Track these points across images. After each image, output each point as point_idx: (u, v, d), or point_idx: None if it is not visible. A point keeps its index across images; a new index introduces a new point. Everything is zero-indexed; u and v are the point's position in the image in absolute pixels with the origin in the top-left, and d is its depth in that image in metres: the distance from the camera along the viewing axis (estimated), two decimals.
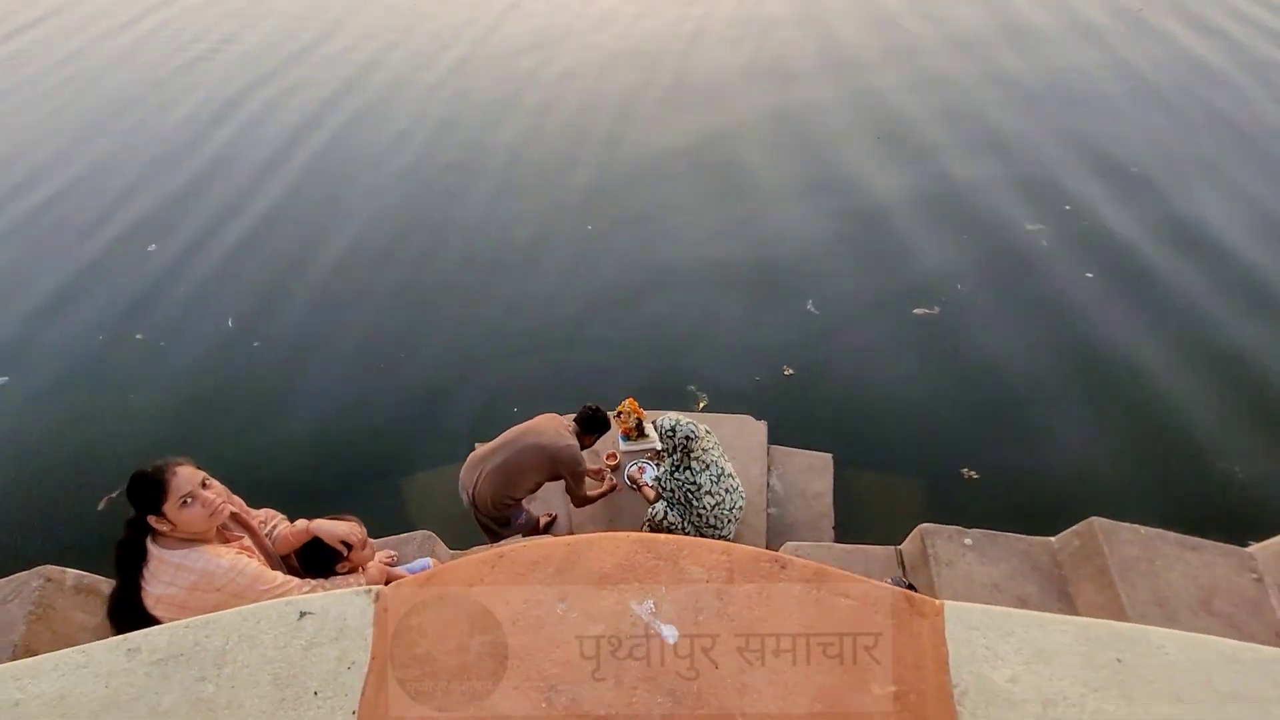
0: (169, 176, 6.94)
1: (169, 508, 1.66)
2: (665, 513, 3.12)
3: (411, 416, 4.49)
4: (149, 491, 1.65)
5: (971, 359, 4.52)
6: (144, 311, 5.42)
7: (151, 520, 1.66)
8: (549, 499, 3.61)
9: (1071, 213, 5.60)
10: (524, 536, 3.16)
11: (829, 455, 3.77)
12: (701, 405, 4.36)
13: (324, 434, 4.40)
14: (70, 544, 3.31)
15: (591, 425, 3.04)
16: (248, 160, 7.06)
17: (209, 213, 6.42)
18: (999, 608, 1.18)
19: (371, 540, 2.21)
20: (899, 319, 4.85)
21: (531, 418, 3.10)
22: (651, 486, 3.36)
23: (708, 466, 3.00)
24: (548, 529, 3.49)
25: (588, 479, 3.10)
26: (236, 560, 1.72)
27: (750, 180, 6.31)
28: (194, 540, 1.71)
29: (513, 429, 3.00)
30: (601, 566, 1.17)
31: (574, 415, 3.09)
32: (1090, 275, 5.03)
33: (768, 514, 3.50)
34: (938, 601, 1.18)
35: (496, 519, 3.02)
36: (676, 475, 3.00)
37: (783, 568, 1.15)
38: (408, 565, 2.54)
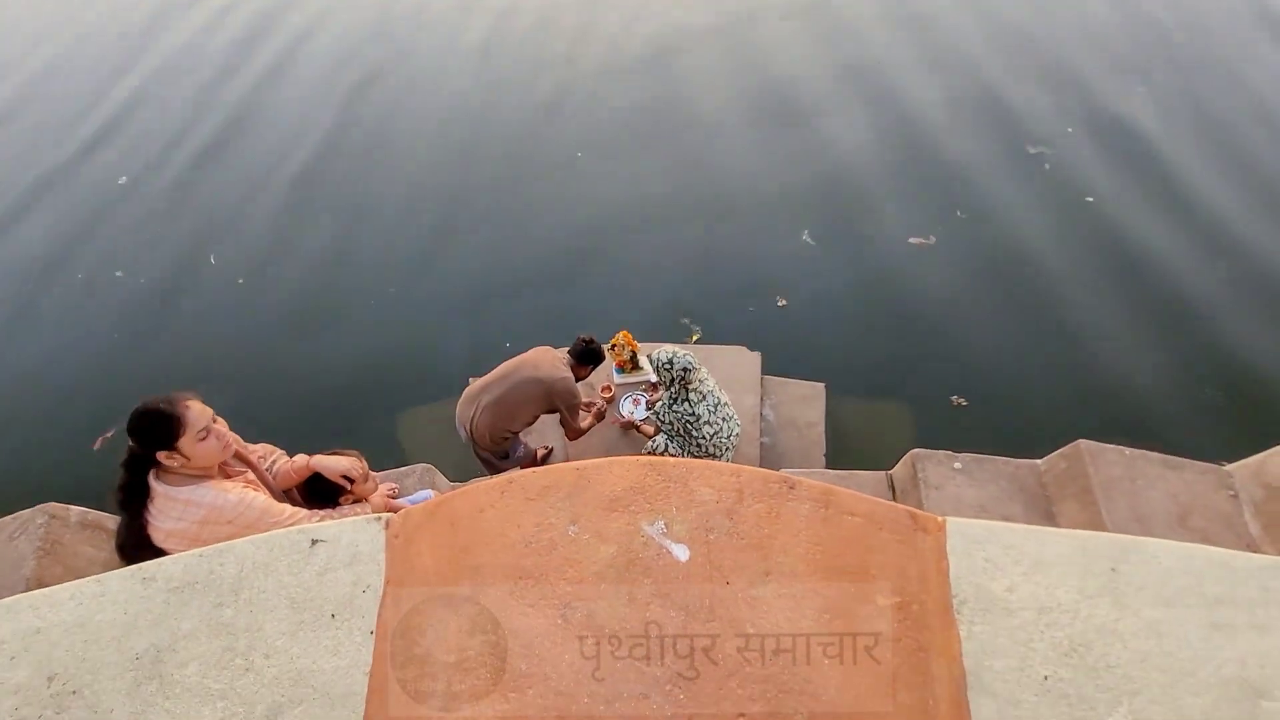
0: (133, 105, 6.57)
1: (185, 442, 1.64)
2: (666, 445, 3.16)
3: (405, 352, 4.45)
4: (164, 425, 1.62)
5: (964, 287, 4.51)
6: (121, 249, 5.25)
7: (162, 456, 1.64)
8: (545, 431, 3.64)
9: (1074, 135, 5.47)
10: (523, 469, 3.21)
11: (822, 385, 3.80)
12: (695, 338, 4.36)
13: (316, 371, 4.37)
14: (66, 484, 3.31)
15: (586, 357, 3.03)
16: (222, 99, 6.67)
17: (181, 142, 6.13)
18: (1001, 522, 1.21)
19: (373, 473, 2.22)
20: (895, 249, 4.79)
21: (525, 351, 3.08)
22: (649, 421, 3.39)
23: (704, 397, 3.04)
24: (545, 461, 3.54)
25: (580, 411, 3.12)
26: (244, 494, 1.72)
27: (744, 109, 6.07)
28: (199, 476, 1.70)
29: (508, 362, 2.99)
30: (612, 490, 1.18)
31: (568, 348, 3.07)
32: (1090, 200, 4.97)
33: (761, 443, 3.56)
34: (940, 518, 1.21)
35: (495, 452, 3.05)
36: (675, 408, 3.03)
37: (791, 488, 1.16)
38: (409, 497, 2.58)
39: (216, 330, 4.65)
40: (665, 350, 3.01)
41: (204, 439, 1.67)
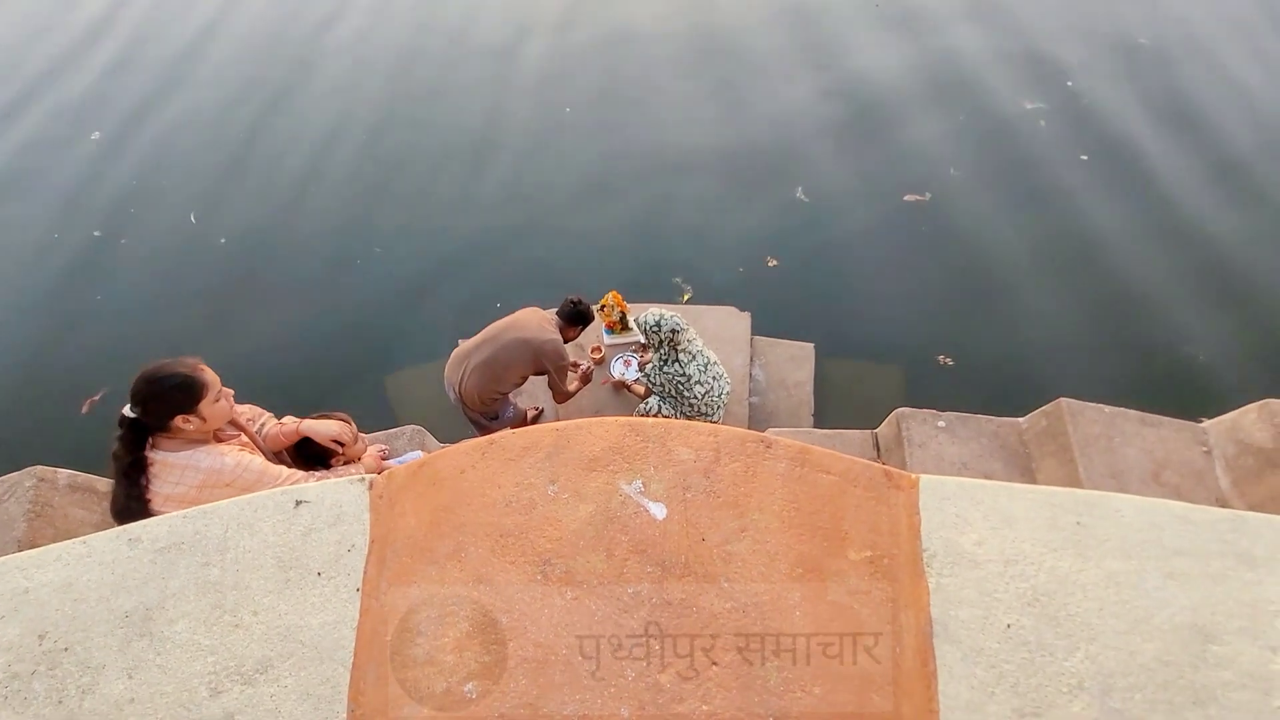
0: (99, 54, 6.33)
1: (205, 404, 1.67)
2: (659, 407, 3.19)
3: (392, 313, 4.42)
4: (189, 389, 1.65)
5: (957, 246, 4.50)
6: (98, 208, 5.14)
7: (179, 420, 1.66)
8: (535, 392, 3.66)
9: (1073, 90, 5.37)
10: (513, 429, 3.24)
11: (811, 345, 3.83)
12: (686, 298, 4.35)
13: (302, 333, 4.35)
14: (53, 448, 3.33)
15: (574, 318, 3.03)
16: (204, 54, 6.41)
17: (152, 97, 5.93)
18: (972, 479, 1.24)
19: (363, 435, 2.24)
20: (889, 207, 4.76)
21: (514, 311, 3.07)
22: (640, 382, 3.41)
23: (694, 357, 3.05)
24: (535, 422, 3.57)
25: (568, 373, 3.13)
26: (241, 457, 1.74)
27: (737, 60, 5.91)
28: (196, 440, 1.72)
29: (495, 323, 2.98)
30: (591, 450, 1.20)
31: (556, 309, 3.07)
32: (1085, 158, 4.92)
33: (750, 403, 3.60)
34: (914, 475, 1.24)
35: (484, 413, 3.07)
36: (665, 369, 3.05)
37: (768, 447, 1.18)
38: (399, 458, 2.61)
39: (199, 291, 4.60)
40: (652, 312, 3.01)
41: (217, 400, 1.70)
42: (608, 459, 1.18)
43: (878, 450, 3.12)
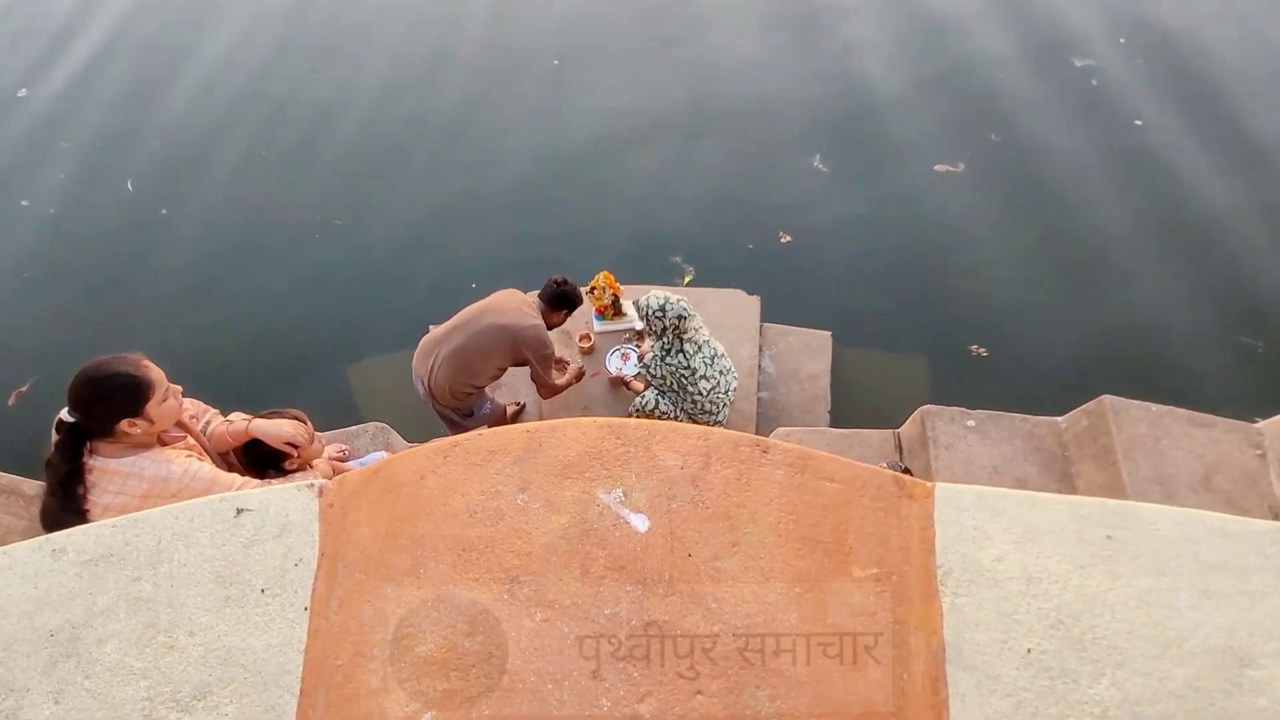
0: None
1: (152, 405, 1.67)
2: (656, 401, 3.19)
3: (355, 295, 4.43)
4: (134, 390, 1.64)
5: (992, 223, 4.50)
6: (24, 173, 5.12)
7: (124, 424, 1.66)
8: (516, 385, 3.68)
9: (1127, 46, 5.33)
10: (490, 427, 3.25)
11: (828, 333, 3.83)
12: (687, 279, 4.35)
13: (252, 316, 4.36)
14: None
15: (558, 301, 3.02)
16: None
17: (98, 58, 5.90)
18: (993, 488, 1.26)
19: (319, 435, 2.26)
20: (918, 177, 4.74)
21: (490, 294, 3.07)
22: (639, 377, 3.41)
23: (700, 348, 3.04)
24: (516, 418, 3.58)
25: (553, 365, 3.14)
26: (189, 464, 1.75)
27: (748, 8, 5.86)
28: (140, 445, 1.73)
29: (469, 308, 2.99)
30: (566, 454, 1.21)
31: (538, 291, 3.07)
32: (1139, 123, 4.89)
33: (758, 398, 3.62)
34: (928, 484, 1.25)
35: (457, 409, 3.08)
36: (668, 360, 3.03)
37: (764, 452, 1.19)
38: (359, 460, 2.62)
39: (138, 268, 4.60)
40: (655, 295, 2.99)
41: (165, 399, 1.70)
42: (584, 465, 1.19)
43: (900, 452, 3.14)
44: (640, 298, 3.04)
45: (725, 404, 3.19)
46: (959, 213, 4.56)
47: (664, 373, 3.07)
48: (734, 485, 1.17)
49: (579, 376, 3.36)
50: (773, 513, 1.16)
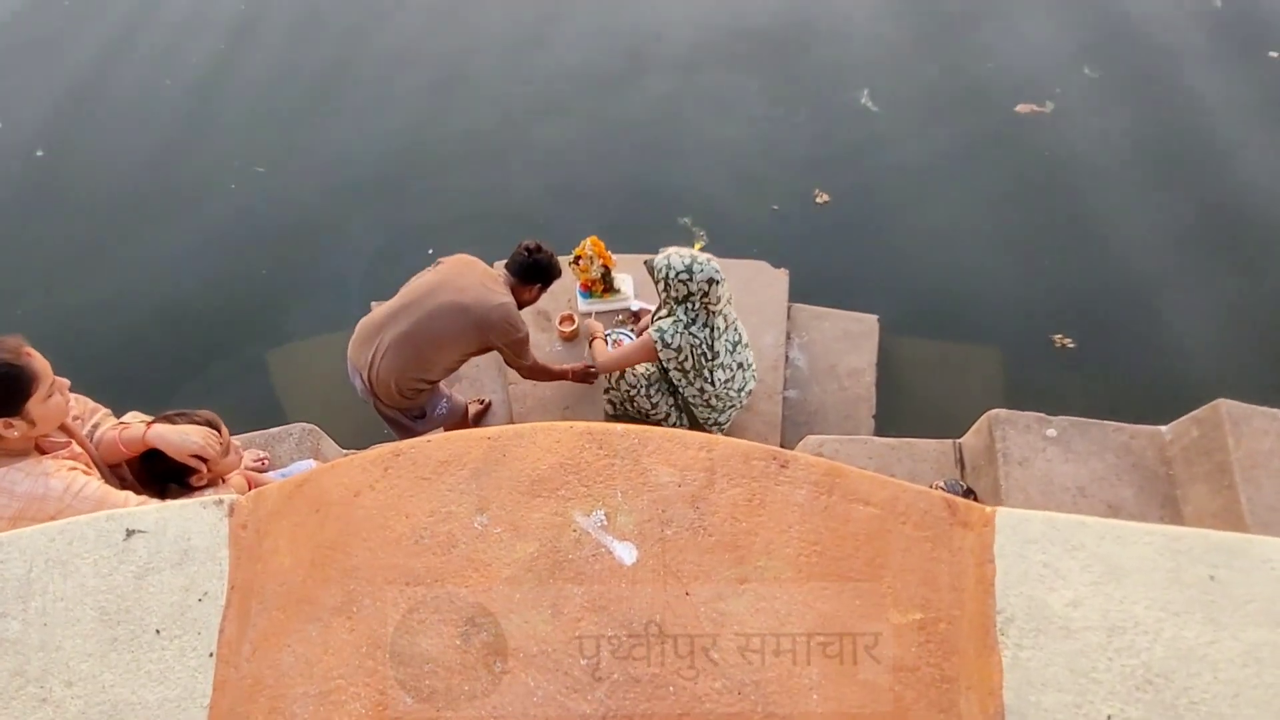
0: None
1: (34, 402, 1.69)
2: (644, 387, 3.18)
3: (280, 261, 4.43)
4: (14, 384, 1.66)
5: (1085, 177, 4.50)
6: None
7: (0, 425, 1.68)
8: (479, 379, 3.70)
9: None
10: (447, 431, 3.26)
11: (873, 317, 3.85)
12: (699, 246, 4.36)
13: (152, 289, 4.37)
14: None
15: (530, 273, 3.02)
16: None
17: None
18: (1069, 515, 1.27)
19: (235, 440, 2.27)
20: (993, 120, 4.74)
21: (443, 263, 3.07)
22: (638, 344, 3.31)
23: (726, 329, 3.02)
24: (479, 421, 3.60)
25: (528, 347, 3.12)
26: (72, 479, 1.77)
27: None
28: (12, 453, 1.74)
29: (418, 282, 2.98)
30: (536, 467, 1.22)
31: (504, 261, 3.07)
32: (1274, 55, 4.89)
33: (784, 398, 3.64)
34: (988, 509, 1.27)
35: (406, 410, 3.10)
36: (692, 331, 2.97)
37: (782, 467, 1.21)
38: (282, 471, 2.65)
39: (4, 224, 4.60)
40: (680, 254, 2.92)
41: (49, 395, 1.73)
42: (558, 480, 1.21)
43: (961, 468, 3.16)
44: (658, 256, 2.98)
45: (733, 405, 3.20)
46: (1043, 164, 4.55)
47: (682, 343, 3.02)
48: (744, 508, 1.19)
49: (583, 378, 3.38)
50: (791, 542, 1.17)
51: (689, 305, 2.95)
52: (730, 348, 3.07)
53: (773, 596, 1.14)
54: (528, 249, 3.00)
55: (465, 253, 3.11)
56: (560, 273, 3.13)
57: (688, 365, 3.07)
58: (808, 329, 3.84)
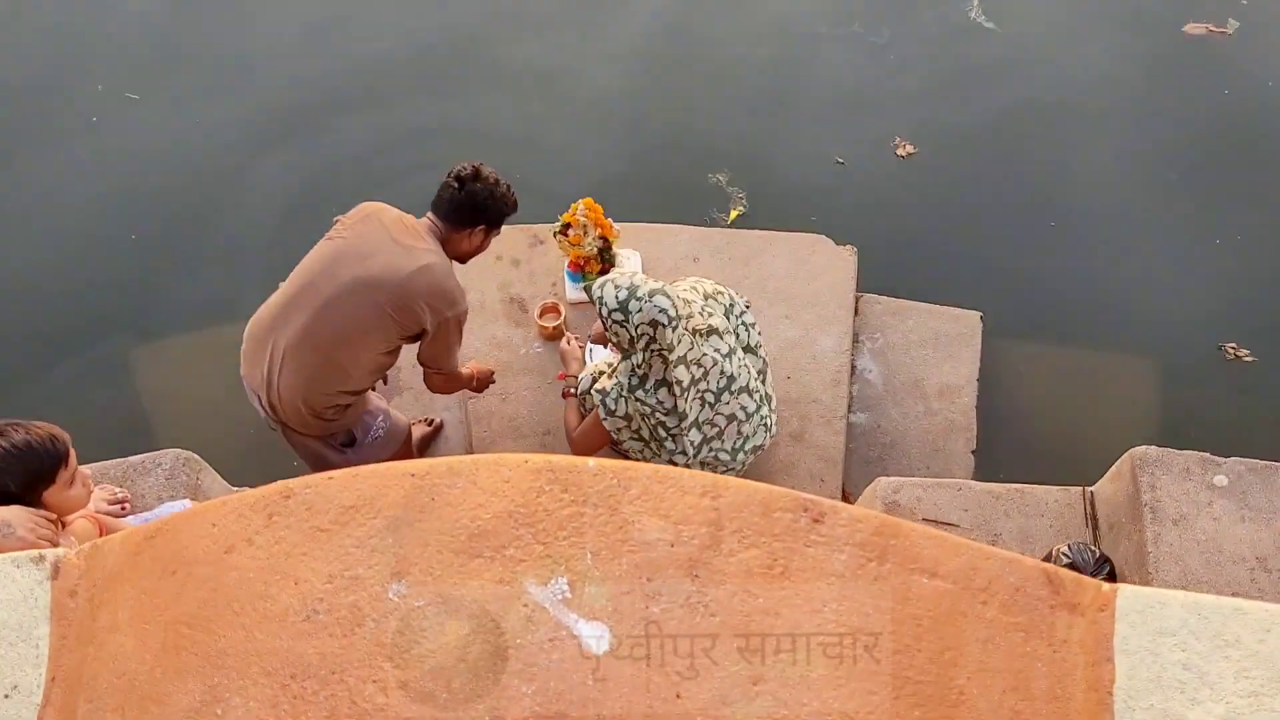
0: None
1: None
2: (618, 400, 3.12)
3: (154, 223, 4.46)
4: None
5: (1272, 124, 4.47)
6: None
7: None
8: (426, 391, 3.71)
9: None
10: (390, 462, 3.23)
11: (975, 315, 3.84)
12: (735, 214, 4.37)
13: None
14: None
15: (467, 210, 2.87)
16: None
17: None
18: (1222, 599, 1.26)
19: (84, 469, 2.29)
20: (1153, 43, 4.74)
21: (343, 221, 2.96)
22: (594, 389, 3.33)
23: (695, 378, 2.96)
24: (426, 447, 3.61)
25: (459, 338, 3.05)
26: None
27: None
28: None
29: (311, 259, 2.85)
30: (476, 516, 1.22)
31: (431, 202, 2.94)
32: None
33: (849, 423, 3.63)
34: (1106, 587, 1.26)
35: (327, 435, 3.08)
36: (638, 395, 2.97)
37: (815, 521, 1.20)
38: (146, 515, 2.67)
39: None
40: (617, 282, 2.87)
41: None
42: (506, 535, 1.21)
43: (1093, 526, 3.15)
44: (597, 281, 2.96)
45: (741, 459, 3.18)
46: (1218, 110, 4.54)
47: (628, 411, 3.04)
48: (761, 579, 1.18)
49: (478, 383, 3.33)
50: (825, 628, 1.17)
51: (635, 356, 2.94)
52: (715, 397, 3.01)
53: (798, 703, 1.14)
54: (459, 177, 2.87)
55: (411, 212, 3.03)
56: (516, 205, 3.01)
57: (644, 434, 3.08)
58: (883, 330, 3.84)
